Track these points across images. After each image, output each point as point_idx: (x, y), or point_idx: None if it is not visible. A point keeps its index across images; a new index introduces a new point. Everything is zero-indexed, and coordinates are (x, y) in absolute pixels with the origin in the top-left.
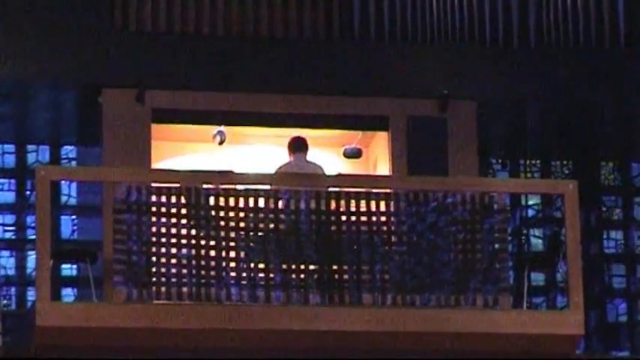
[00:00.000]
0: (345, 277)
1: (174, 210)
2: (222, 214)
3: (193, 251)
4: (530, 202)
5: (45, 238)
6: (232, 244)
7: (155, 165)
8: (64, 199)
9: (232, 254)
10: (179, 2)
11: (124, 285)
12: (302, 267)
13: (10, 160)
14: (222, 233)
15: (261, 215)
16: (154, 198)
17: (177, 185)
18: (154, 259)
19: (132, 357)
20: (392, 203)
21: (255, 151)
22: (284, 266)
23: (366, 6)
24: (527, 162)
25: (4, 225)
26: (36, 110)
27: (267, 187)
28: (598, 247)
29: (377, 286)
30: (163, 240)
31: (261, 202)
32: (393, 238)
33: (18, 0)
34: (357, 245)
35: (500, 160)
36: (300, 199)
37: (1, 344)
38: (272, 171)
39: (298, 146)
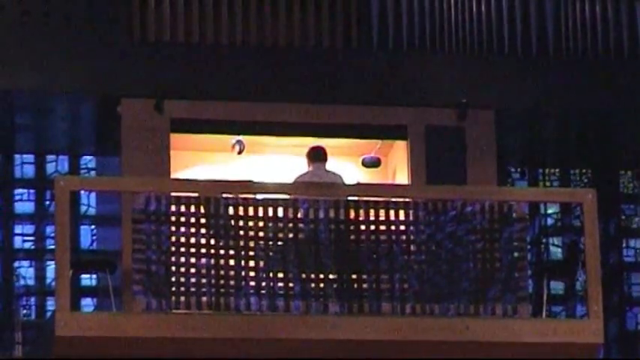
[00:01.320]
0: (364, 286)
1: (193, 219)
2: (241, 223)
3: (212, 261)
4: (549, 211)
5: (64, 248)
6: (251, 253)
7: (174, 175)
8: (83, 209)
9: (251, 264)
10: (197, 13)
11: (143, 295)
12: (321, 276)
13: (29, 171)
14: (242, 243)
15: (280, 225)
16: (173, 208)
17: (196, 195)
18: (173, 268)
19: None
20: (411, 212)
21: (274, 161)
22: (303, 276)
23: (385, 15)
24: (546, 171)
25: (23, 235)
26: (55, 121)
27: (286, 196)
28: (617, 255)
29: (396, 295)
30: (182, 250)
31: (280, 212)
32: (412, 248)
33: (36, 12)
34: (376, 254)
35: (519, 169)
36: (319, 208)
37: (21, 354)
38: (291, 180)
39: (317, 156)
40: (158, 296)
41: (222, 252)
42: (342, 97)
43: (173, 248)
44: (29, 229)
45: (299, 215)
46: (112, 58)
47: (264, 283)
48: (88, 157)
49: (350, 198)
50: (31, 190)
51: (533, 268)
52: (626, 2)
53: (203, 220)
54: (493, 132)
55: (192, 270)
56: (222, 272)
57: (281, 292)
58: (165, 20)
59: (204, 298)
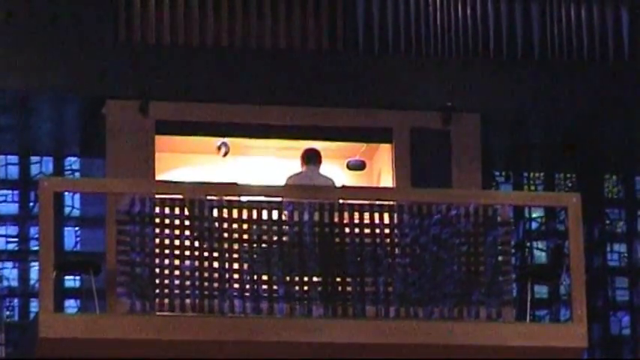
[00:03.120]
0: (349, 289)
1: (177, 222)
2: (225, 225)
3: (197, 263)
4: (534, 215)
5: (48, 249)
6: (235, 256)
7: (159, 176)
8: (67, 210)
9: (236, 266)
10: (182, 14)
11: (127, 296)
12: (305, 279)
13: (13, 172)
14: (226, 245)
15: (265, 227)
16: (157, 209)
17: (181, 197)
18: (157, 270)
19: None
20: (395, 215)
21: (259, 163)
22: (287, 278)
23: (370, 18)
24: (531, 175)
25: (7, 236)
26: (39, 121)
27: (271, 199)
28: (601, 260)
29: (380, 298)
30: (167, 252)
31: (265, 214)
32: (397, 251)
33: (21, 12)
34: (361, 257)
35: (503, 173)
36: (304, 211)
37: (4, 356)
38: (282, 180)
39: (311, 158)
40: (142, 298)
41: (206, 254)
42: (327, 100)
43: (157, 250)
44: (13, 230)
45: (283, 218)
46: (97, 59)
47: (248, 286)
48: (73, 159)
49: (334, 201)
50: (15, 191)
51: (517, 272)
52: (611, 6)
53: (187, 223)
54: (478, 135)
55: (177, 272)
56: (206, 274)
57: (265, 294)
58: (150, 22)
59: (188, 300)
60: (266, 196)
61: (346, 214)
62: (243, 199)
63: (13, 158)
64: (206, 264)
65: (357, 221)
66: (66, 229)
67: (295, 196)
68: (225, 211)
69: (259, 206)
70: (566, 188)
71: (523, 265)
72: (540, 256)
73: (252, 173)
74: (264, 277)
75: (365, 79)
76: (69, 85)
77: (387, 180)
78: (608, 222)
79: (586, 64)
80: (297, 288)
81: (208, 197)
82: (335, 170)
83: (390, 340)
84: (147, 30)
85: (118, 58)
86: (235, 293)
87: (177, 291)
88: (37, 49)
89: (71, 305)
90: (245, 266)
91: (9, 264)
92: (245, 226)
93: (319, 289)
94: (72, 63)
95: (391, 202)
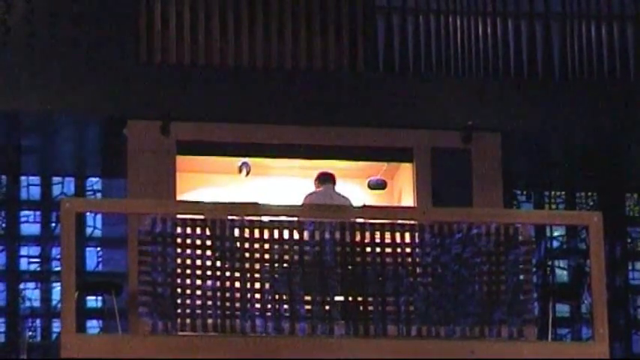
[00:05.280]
0: (370, 308)
1: (199, 242)
2: (247, 245)
3: (218, 283)
4: (555, 234)
5: (70, 270)
6: (257, 275)
7: (180, 197)
8: (89, 230)
9: (257, 286)
10: (203, 35)
11: (149, 316)
12: (327, 298)
13: (35, 192)
14: (247, 265)
15: (286, 247)
16: (178, 229)
17: (202, 217)
18: (178, 290)
19: None
20: (416, 235)
21: (280, 183)
22: (309, 298)
23: (391, 38)
24: (552, 193)
25: (29, 257)
26: (61, 142)
27: (292, 218)
28: (623, 278)
29: (402, 317)
30: (188, 271)
31: (286, 234)
32: (418, 270)
33: (43, 34)
34: (382, 277)
35: (524, 192)
36: (325, 230)
37: None
38: (299, 199)
39: (326, 179)
40: (164, 318)
41: (227, 274)
42: (349, 120)
43: (179, 270)
44: (35, 250)
45: (305, 237)
46: (118, 80)
47: (269, 305)
48: (94, 179)
49: (356, 220)
50: (37, 212)
51: (539, 291)
52: (631, 24)
53: (209, 242)
54: (499, 154)
55: (198, 292)
56: (227, 294)
57: (286, 314)
58: (171, 42)
59: (209, 320)
60: (287, 215)
61: (367, 234)
62: (265, 218)
63: (35, 179)
64: (227, 284)
65: (378, 240)
66: (87, 249)
67: (316, 215)
68: (246, 230)
69: (280, 226)
70: (588, 207)
71: (544, 283)
72: (562, 275)
73: (273, 193)
74: (286, 297)
75: (385, 98)
76: (90, 106)
77: (408, 199)
78: (629, 240)
79: (607, 83)
80: (318, 307)
81: (229, 217)
82: (356, 190)
83: (411, 358)
84: (168, 51)
85: (139, 78)
86: (257, 313)
87: (198, 311)
88: (58, 70)
89: (93, 326)
90: (266, 286)
91: (31, 284)
92: (266, 246)
93: (340, 308)
94: (93, 84)
95: (412, 222)
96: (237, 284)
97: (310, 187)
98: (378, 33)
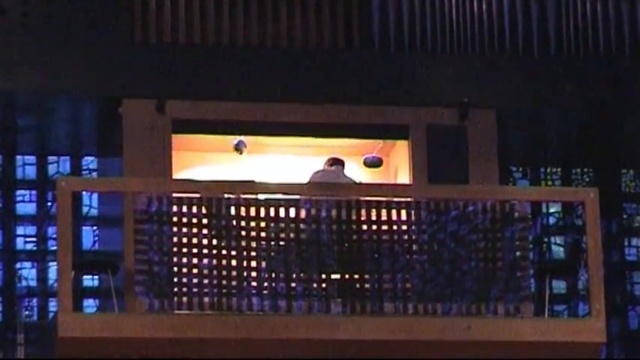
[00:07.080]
0: (367, 286)
1: (195, 220)
2: (243, 223)
3: (214, 261)
4: (551, 210)
5: (66, 249)
6: (253, 253)
7: (176, 175)
8: (85, 210)
9: (253, 264)
10: (198, 14)
11: (146, 295)
12: (323, 276)
13: (31, 172)
14: (243, 243)
15: (282, 225)
16: (174, 208)
17: (198, 195)
18: (175, 269)
19: None
20: (413, 212)
21: (276, 161)
22: (305, 276)
23: (386, 16)
24: (548, 170)
25: (25, 236)
26: (56, 122)
27: (288, 196)
28: (619, 254)
29: (398, 295)
30: (184, 250)
31: (282, 212)
32: (414, 247)
33: (37, 13)
34: (378, 254)
35: (520, 169)
36: (321, 208)
37: (23, 356)
38: (307, 175)
39: (337, 161)
40: (160, 297)
41: (224, 252)
42: (344, 98)
43: (175, 249)
44: (31, 230)
45: (301, 215)
46: (113, 59)
47: (266, 284)
48: (90, 158)
49: (352, 198)
50: (33, 191)
51: (535, 268)
52: (626, 1)
53: (205, 221)
54: (495, 131)
55: (195, 270)
56: (224, 273)
57: (283, 292)
58: (166, 21)
59: (206, 299)
60: (283, 193)
61: (363, 211)
62: (261, 196)
63: (31, 158)
64: (224, 262)
65: (374, 218)
66: (84, 228)
67: (312, 193)
68: (242, 209)
69: (276, 204)
70: (584, 183)
71: (541, 260)
72: (558, 252)
73: (269, 171)
74: (282, 275)
75: (381, 76)
76: (85, 85)
77: (403, 177)
78: (625, 216)
79: (602, 59)
80: (315, 285)
81: (225, 195)
82: (352, 167)
83: (408, 336)
84: (163, 29)
85: (134, 57)
86: (253, 291)
87: (195, 289)
88: (53, 49)
89: (90, 305)
90: (263, 264)
91: (27, 264)
92: (262, 224)
93: (337, 286)
94: (88, 63)
95: (408, 199)
96: (234, 262)
97: (306, 164)
98: (373, 10)
